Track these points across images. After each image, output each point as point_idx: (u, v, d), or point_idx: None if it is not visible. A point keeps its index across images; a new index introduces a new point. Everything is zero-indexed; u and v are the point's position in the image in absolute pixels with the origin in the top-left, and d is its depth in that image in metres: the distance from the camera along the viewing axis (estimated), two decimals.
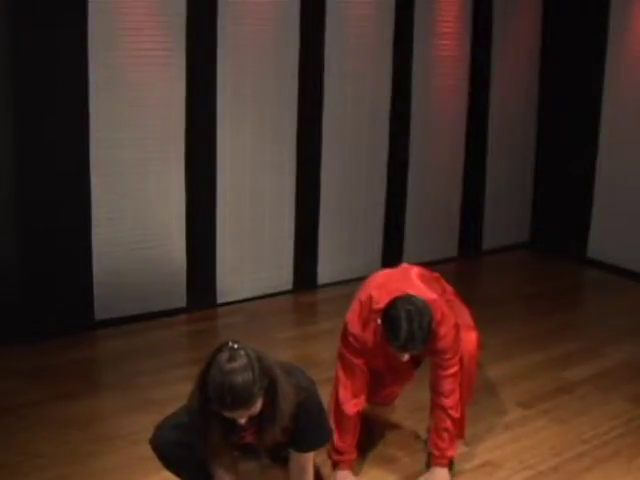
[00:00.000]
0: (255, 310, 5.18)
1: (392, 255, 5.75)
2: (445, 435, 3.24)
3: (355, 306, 3.21)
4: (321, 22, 5.26)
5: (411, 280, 3.24)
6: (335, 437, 3.20)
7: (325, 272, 5.62)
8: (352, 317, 3.20)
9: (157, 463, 3.34)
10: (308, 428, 2.72)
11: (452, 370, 3.22)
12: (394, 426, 3.76)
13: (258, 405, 2.48)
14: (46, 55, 4.29)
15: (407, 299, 3.00)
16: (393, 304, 2.99)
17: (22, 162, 4.37)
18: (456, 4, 5.89)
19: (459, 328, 3.27)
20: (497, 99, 6.33)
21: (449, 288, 3.53)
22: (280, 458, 2.92)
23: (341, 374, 3.26)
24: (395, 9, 5.57)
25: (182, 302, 5.04)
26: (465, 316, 3.49)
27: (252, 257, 5.28)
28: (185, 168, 4.88)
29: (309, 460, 2.84)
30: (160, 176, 4.80)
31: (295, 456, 2.83)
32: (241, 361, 2.42)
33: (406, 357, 3.08)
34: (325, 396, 3.13)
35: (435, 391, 3.25)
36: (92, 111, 4.47)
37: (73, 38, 4.36)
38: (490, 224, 6.52)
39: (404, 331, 2.93)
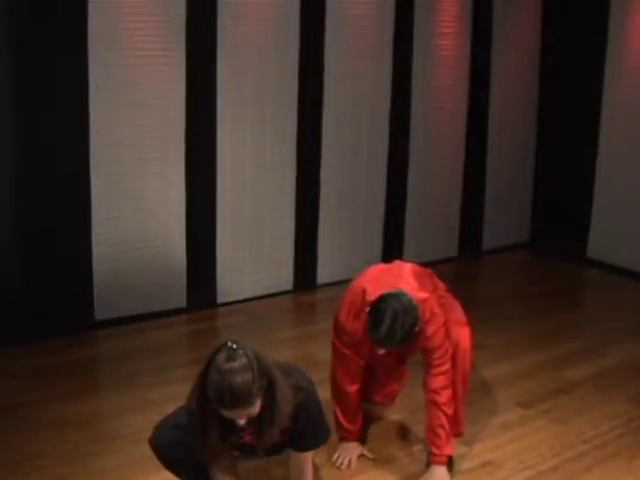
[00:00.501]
0: (255, 310, 5.18)
1: (392, 255, 5.72)
2: (441, 432, 3.24)
3: (347, 298, 3.28)
4: (321, 22, 5.26)
5: (404, 277, 3.29)
6: (341, 419, 3.37)
7: (325, 272, 5.62)
8: (343, 308, 3.27)
9: (157, 463, 3.34)
10: (307, 428, 2.73)
11: (443, 368, 3.25)
12: (394, 426, 3.76)
13: (257, 405, 2.48)
14: (46, 55, 4.29)
15: (397, 296, 3.07)
16: (383, 298, 3.07)
17: (22, 162, 4.37)
18: (456, 4, 5.89)
19: (449, 326, 3.30)
20: (497, 99, 6.33)
21: (441, 285, 3.56)
22: (276, 454, 2.91)
23: (336, 364, 3.36)
24: (395, 9, 5.57)
25: (182, 302, 5.04)
26: (457, 312, 3.51)
27: (252, 257, 5.28)
28: (185, 168, 4.88)
29: (308, 460, 2.86)
30: (160, 176, 4.80)
31: (294, 456, 2.85)
32: (240, 361, 2.42)
33: (381, 351, 3.14)
34: (325, 394, 3.13)
35: (428, 389, 3.27)
36: (92, 111, 4.47)
37: (73, 38, 4.36)
38: (490, 224, 6.52)
39: (385, 327, 3.01)
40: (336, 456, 3.42)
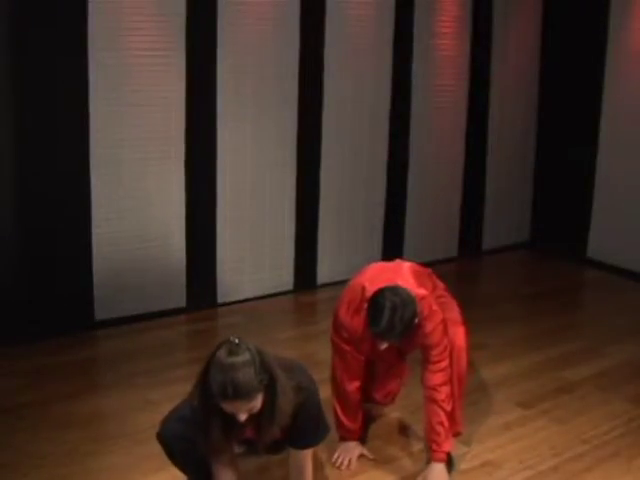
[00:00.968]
0: (255, 310, 5.18)
1: (392, 255, 5.72)
2: (440, 429, 3.24)
3: (346, 295, 3.30)
4: (321, 22, 5.26)
5: (403, 274, 3.30)
6: (342, 417, 3.38)
7: (325, 272, 5.62)
8: (342, 305, 3.29)
9: (156, 463, 3.35)
10: (306, 426, 2.75)
11: (442, 364, 3.25)
12: (394, 426, 3.76)
13: (258, 401, 2.50)
14: (46, 55, 4.29)
15: (395, 290, 3.09)
16: (381, 292, 3.09)
17: (22, 162, 4.38)
18: (456, 4, 5.89)
19: (447, 324, 3.31)
20: (497, 99, 6.33)
21: (440, 284, 3.58)
22: (276, 452, 2.93)
23: (336, 361, 3.37)
24: (395, 9, 5.57)
25: (182, 302, 5.04)
26: (454, 312, 3.52)
27: (252, 257, 5.28)
28: (185, 168, 4.88)
29: (307, 458, 2.87)
30: (160, 176, 4.80)
31: (293, 453, 2.86)
32: (243, 356, 2.44)
33: (384, 345, 3.14)
34: (325, 393, 3.13)
35: (427, 386, 3.27)
36: (92, 111, 4.47)
37: (73, 38, 4.36)
38: (490, 224, 6.52)
39: (385, 320, 3.02)
40: (336, 456, 3.43)
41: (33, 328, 4.47)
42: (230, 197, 5.10)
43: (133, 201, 4.74)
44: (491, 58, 6.22)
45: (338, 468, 3.38)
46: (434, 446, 3.26)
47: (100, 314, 4.74)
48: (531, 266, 6.53)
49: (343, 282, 5.42)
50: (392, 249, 5.86)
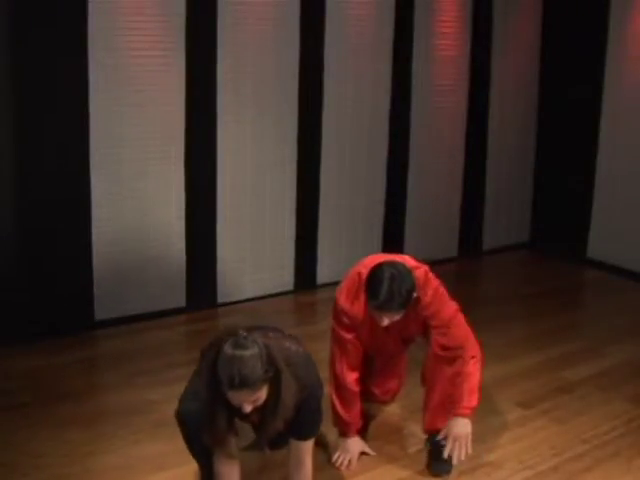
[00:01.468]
0: (255, 310, 5.17)
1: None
2: (472, 380, 3.27)
3: (345, 283, 3.34)
4: (321, 22, 5.26)
5: (399, 257, 3.38)
6: (340, 410, 3.38)
7: (325, 272, 5.62)
8: (342, 292, 3.33)
9: (157, 463, 3.35)
10: (307, 418, 2.81)
11: (453, 330, 3.30)
12: (394, 426, 3.76)
13: (263, 393, 2.56)
14: (46, 55, 4.29)
15: (393, 264, 3.17)
16: (379, 266, 3.16)
17: (22, 162, 4.37)
18: (456, 4, 5.89)
19: (446, 292, 3.35)
20: (497, 99, 6.33)
21: (435, 281, 3.56)
22: (279, 446, 2.95)
23: (335, 350, 3.39)
24: (395, 9, 5.57)
25: (182, 302, 5.04)
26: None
27: (252, 257, 5.28)
28: (185, 168, 4.88)
29: (307, 451, 2.89)
30: (160, 176, 4.80)
31: (294, 445, 2.88)
32: (251, 349, 2.52)
33: (385, 321, 3.16)
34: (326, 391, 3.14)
35: (439, 349, 3.30)
36: (92, 111, 4.47)
37: (73, 38, 4.36)
38: (490, 224, 6.52)
39: (384, 291, 3.06)
40: (336, 456, 3.42)
41: (33, 328, 4.47)
42: (230, 197, 5.10)
43: (133, 201, 4.74)
44: (491, 58, 6.21)
45: (338, 469, 3.39)
46: (459, 401, 3.26)
47: (100, 314, 4.74)
48: (531, 266, 6.53)
49: None
50: (392, 249, 5.84)
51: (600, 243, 6.22)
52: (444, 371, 3.31)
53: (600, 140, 6.14)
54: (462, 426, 3.25)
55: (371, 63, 5.55)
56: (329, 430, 3.47)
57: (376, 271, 3.14)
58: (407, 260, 3.35)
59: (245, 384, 2.48)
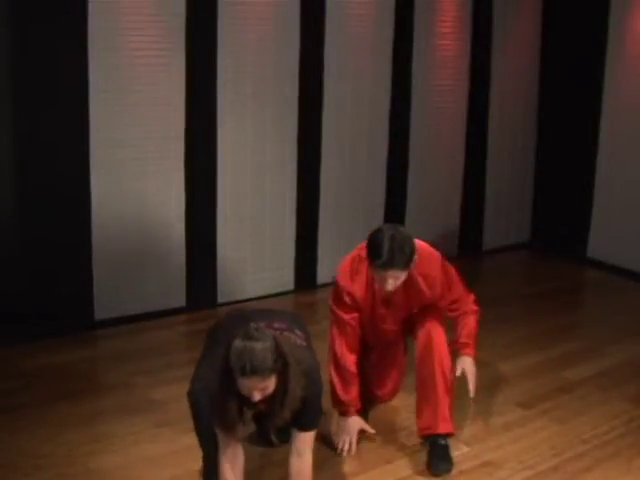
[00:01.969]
0: None
1: None
2: (473, 330, 3.52)
3: (345, 262, 3.43)
4: (321, 22, 5.26)
5: None
6: (339, 391, 3.45)
7: (325, 272, 5.61)
8: (342, 270, 3.41)
9: (156, 463, 3.35)
10: (311, 410, 2.88)
11: (456, 294, 3.50)
12: (394, 426, 3.76)
13: (272, 382, 2.65)
14: (46, 55, 4.29)
15: (392, 226, 3.27)
16: (379, 229, 3.26)
17: (22, 162, 4.37)
18: (456, 4, 5.89)
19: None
20: (497, 99, 6.33)
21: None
22: (284, 440, 3.00)
23: (334, 331, 3.45)
24: (395, 9, 5.57)
25: (182, 302, 5.04)
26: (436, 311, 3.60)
27: (253, 257, 5.28)
28: (185, 168, 4.88)
29: (308, 442, 2.94)
30: (160, 176, 4.80)
31: (296, 436, 2.93)
32: (263, 341, 2.63)
33: (389, 284, 3.20)
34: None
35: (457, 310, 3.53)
36: (92, 111, 4.47)
37: (73, 38, 4.36)
38: (490, 224, 6.52)
39: (386, 250, 3.13)
40: (336, 442, 3.46)
41: (33, 328, 4.47)
42: (230, 197, 5.10)
43: (133, 201, 4.73)
44: (491, 58, 6.21)
45: (339, 454, 3.41)
46: (468, 343, 3.48)
47: (100, 314, 4.74)
48: (531, 266, 6.53)
49: None
50: None
51: (600, 243, 6.22)
52: (436, 372, 3.40)
53: (600, 140, 6.14)
54: (472, 364, 3.49)
55: (371, 63, 5.55)
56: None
57: (376, 233, 3.23)
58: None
59: (255, 372, 2.58)
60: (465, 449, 3.55)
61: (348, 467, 3.39)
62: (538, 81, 6.55)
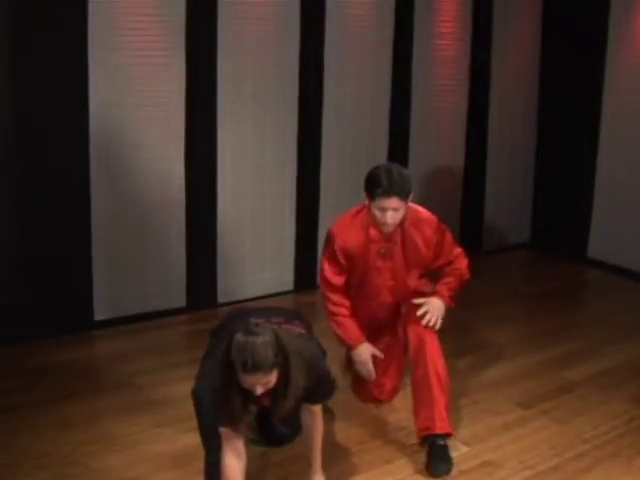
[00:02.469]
0: None
1: None
2: (452, 283, 3.59)
3: (340, 217, 3.61)
4: (321, 22, 5.26)
5: None
6: (342, 333, 3.59)
7: None
8: (337, 222, 3.58)
9: (156, 463, 3.35)
10: (317, 393, 2.97)
11: (450, 256, 3.64)
12: (394, 426, 3.76)
13: (274, 376, 2.69)
14: (46, 55, 4.29)
15: (389, 163, 3.52)
16: (376, 166, 3.42)
17: (22, 162, 4.37)
18: (456, 4, 5.89)
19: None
20: (497, 99, 6.33)
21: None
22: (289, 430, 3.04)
23: (326, 290, 3.59)
24: (395, 9, 5.57)
25: (182, 302, 5.04)
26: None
27: (253, 257, 5.28)
28: (185, 168, 4.88)
29: (318, 406, 3.04)
30: (160, 176, 4.80)
31: (307, 405, 3.01)
32: (263, 336, 2.66)
33: (389, 218, 3.35)
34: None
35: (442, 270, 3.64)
36: (92, 111, 4.47)
37: (73, 38, 4.36)
38: (490, 224, 6.52)
39: (385, 178, 3.31)
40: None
41: (33, 328, 4.47)
42: (230, 197, 5.10)
43: (133, 201, 4.73)
44: (491, 58, 6.21)
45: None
46: (444, 289, 3.59)
47: (100, 314, 4.74)
48: (531, 266, 6.53)
49: None
50: None
51: (600, 243, 6.22)
52: (430, 373, 3.43)
53: (600, 140, 6.14)
54: (439, 304, 3.53)
55: (371, 63, 5.55)
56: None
57: (374, 169, 3.39)
58: None
59: (257, 367, 2.62)
60: (465, 449, 3.55)
61: (348, 467, 3.39)
62: (538, 81, 6.55)
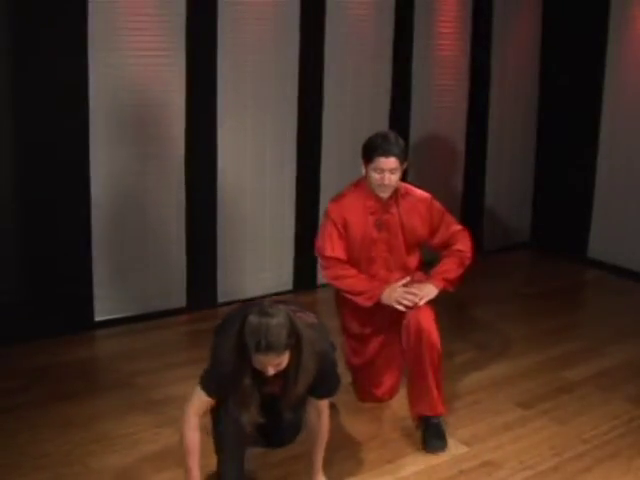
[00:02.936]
0: None
1: None
2: (452, 266, 3.67)
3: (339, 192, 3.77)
4: (321, 22, 5.26)
5: None
6: (359, 288, 3.60)
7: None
8: (335, 196, 3.76)
9: (157, 463, 3.35)
10: (325, 382, 2.98)
11: (447, 234, 3.70)
12: (394, 426, 3.76)
13: (286, 358, 2.72)
14: (46, 55, 4.29)
15: (384, 130, 3.73)
16: (371, 135, 3.57)
17: (22, 162, 4.38)
18: (456, 4, 5.89)
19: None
20: (497, 99, 6.33)
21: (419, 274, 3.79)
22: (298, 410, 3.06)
23: (332, 272, 3.64)
24: (395, 9, 5.57)
25: (182, 302, 5.04)
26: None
27: (252, 257, 5.28)
28: (185, 168, 4.88)
29: (325, 403, 3.05)
30: (160, 176, 4.80)
31: (312, 401, 3.03)
32: (277, 318, 2.68)
33: (386, 179, 3.48)
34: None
35: (447, 249, 3.74)
36: (92, 111, 4.47)
37: (73, 38, 4.36)
38: (490, 224, 6.52)
39: (383, 140, 3.49)
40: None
41: (33, 328, 4.47)
42: (230, 197, 5.10)
43: (133, 201, 4.73)
44: (491, 58, 6.21)
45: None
46: (438, 275, 3.62)
47: (100, 314, 4.74)
48: (531, 266, 6.53)
49: None
50: None
51: (600, 243, 6.22)
52: (426, 361, 3.46)
53: (600, 140, 6.14)
54: (430, 288, 3.55)
55: (371, 63, 5.55)
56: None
57: (370, 137, 3.53)
58: None
59: (271, 348, 2.64)
60: (465, 449, 3.55)
61: (348, 467, 3.39)
62: (538, 81, 6.55)
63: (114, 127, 4.57)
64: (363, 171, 3.61)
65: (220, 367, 2.85)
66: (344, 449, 3.50)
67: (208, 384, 2.88)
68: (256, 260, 5.29)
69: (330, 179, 5.53)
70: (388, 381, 3.88)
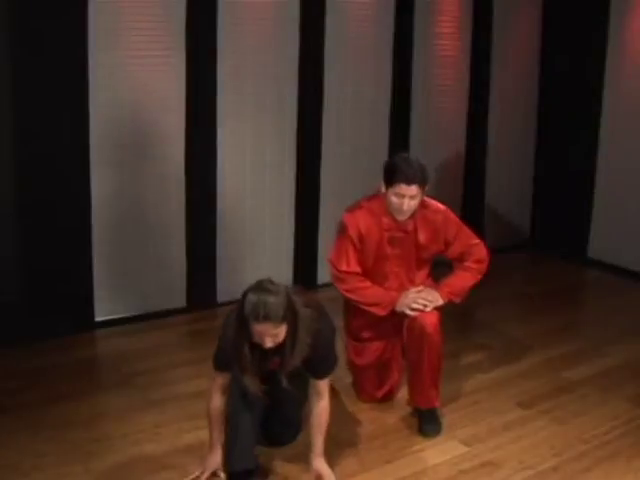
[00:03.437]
0: None
1: None
2: (460, 282, 3.69)
3: (354, 204, 3.76)
4: (321, 22, 5.26)
5: None
6: (374, 299, 3.62)
7: (325, 272, 5.60)
8: (349, 208, 3.74)
9: (157, 463, 3.35)
10: (322, 357, 3.11)
11: (461, 247, 3.71)
12: (394, 426, 3.76)
13: (283, 330, 2.87)
14: (46, 55, 4.29)
15: (403, 153, 3.63)
16: (391, 158, 3.59)
17: (22, 162, 4.37)
18: (456, 4, 5.89)
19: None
20: (497, 99, 6.33)
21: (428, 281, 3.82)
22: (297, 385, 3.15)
23: (345, 286, 3.66)
24: (395, 9, 5.57)
25: (182, 302, 5.04)
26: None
27: (252, 257, 5.28)
28: (185, 168, 4.88)
29: (325, 385, 3.18)
30: (160, 176, 4.80)
31: (312, 384, 3.18)
32: (275, 292, 2.85)
33: (405, 205, 3.46)
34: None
35: (461, 262, 3.77)
36: (92, 111, 4.47)
37: (73, 37, 4.36)
38: (490, 224, 6.52)
39: (406, 166, 3.46)
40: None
41: (33, 328, 4.47)
42: (230, 197, 5.10)
43: (133, 201, 4.73)
44: (491, 58, 6.21)
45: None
46: (446, 288, 3.64)
47: (100, 314, 4.74)
48: (531, 266, 6.53)
49: None
50: None
51: (600, 243, 6.22)
52: (424, 360, 3.51)
53: (600, 140, 6.14)
54: (435, 295, 3.59)
55: (371, 63, 5.55)
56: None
57: (391, 160, 3.54)
58: None
59: (268, 318, 2.81)
60: (465, 449, 3.55)
61: (348, 467, 3.39)
62: (538, 81, 6.55)
63: (114, 127, 4.57)
64: (382, 189, 3.60)
65: (225, 343, 3.03)
66: (344, 449, 3.50)
67: (218, 362, 3.10)
68: (256, 260, 5.29)
69: (330, 179, 5.53)
70: (389, 383, 3.89)
